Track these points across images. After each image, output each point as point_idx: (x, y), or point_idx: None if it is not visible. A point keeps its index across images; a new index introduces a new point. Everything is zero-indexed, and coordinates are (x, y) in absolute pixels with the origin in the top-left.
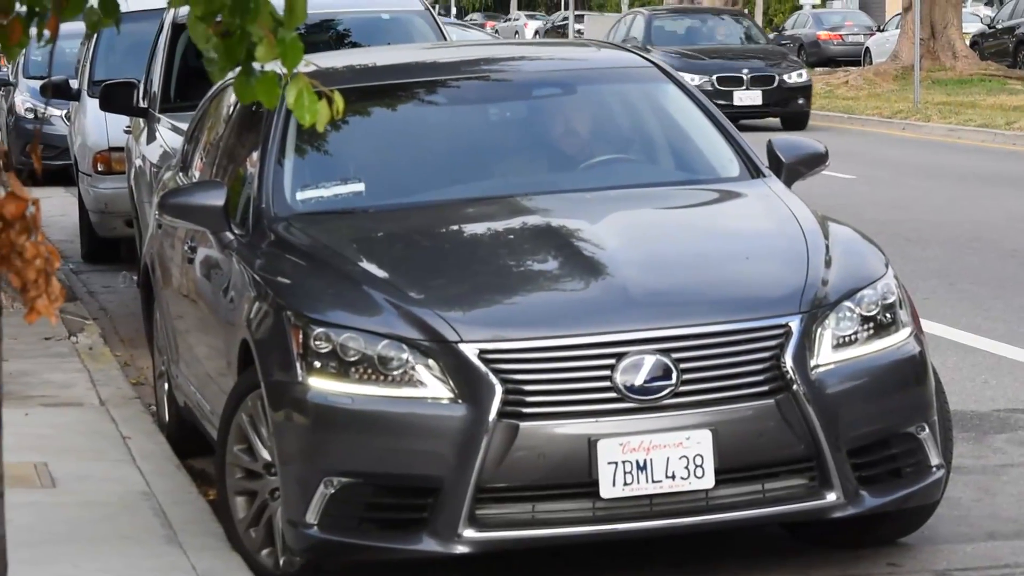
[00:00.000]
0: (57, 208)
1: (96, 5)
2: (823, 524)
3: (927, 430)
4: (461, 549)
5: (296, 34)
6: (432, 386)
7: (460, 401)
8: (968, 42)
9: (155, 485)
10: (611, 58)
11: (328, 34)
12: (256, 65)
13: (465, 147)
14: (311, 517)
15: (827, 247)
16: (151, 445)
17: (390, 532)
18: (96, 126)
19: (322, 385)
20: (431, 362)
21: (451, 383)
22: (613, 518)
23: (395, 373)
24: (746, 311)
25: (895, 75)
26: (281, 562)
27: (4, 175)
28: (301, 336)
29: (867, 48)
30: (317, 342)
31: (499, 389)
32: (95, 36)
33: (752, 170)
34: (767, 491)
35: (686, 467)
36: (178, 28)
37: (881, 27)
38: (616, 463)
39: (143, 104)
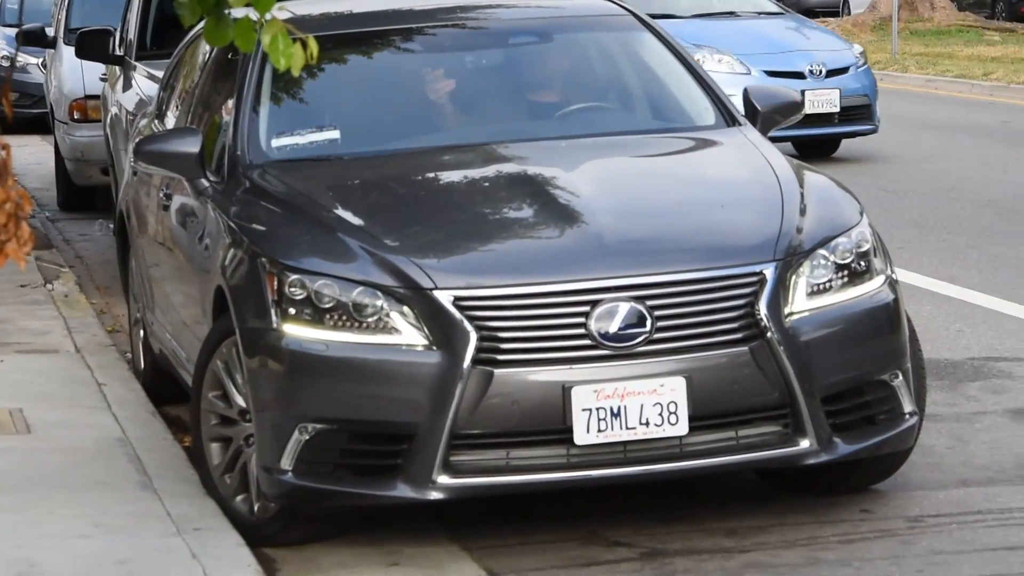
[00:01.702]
0: (33, 156)
1: None
2: (796, 471)
3: (900, 377)
4: (435, 495)
5: None
6: (407, 333)
7: (435, 348)
8: None
9: (130, 432)
10: (587, 6)
11: None
12: (234, 11)
13: (437, 95)
14: (286, 463)
15: (802, 195)
16: (126, 392)
17: (365, 478)
18: (72, 74)
19: (297, 332)
20: (406, 309)
21: (425, 330)
22: (587, 464)
23: (370, 320)
24: (720, 259)
25: (873, 26)
26: (256, 508)
27: None
28: (276, 283)
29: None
30: (292, 289)
31: (473, 336)
32: None
33: (728, 118)
34: (741, 438)
35: (660, 414)
36: None
37: None
38: (590, 410)
39: (119, 52)
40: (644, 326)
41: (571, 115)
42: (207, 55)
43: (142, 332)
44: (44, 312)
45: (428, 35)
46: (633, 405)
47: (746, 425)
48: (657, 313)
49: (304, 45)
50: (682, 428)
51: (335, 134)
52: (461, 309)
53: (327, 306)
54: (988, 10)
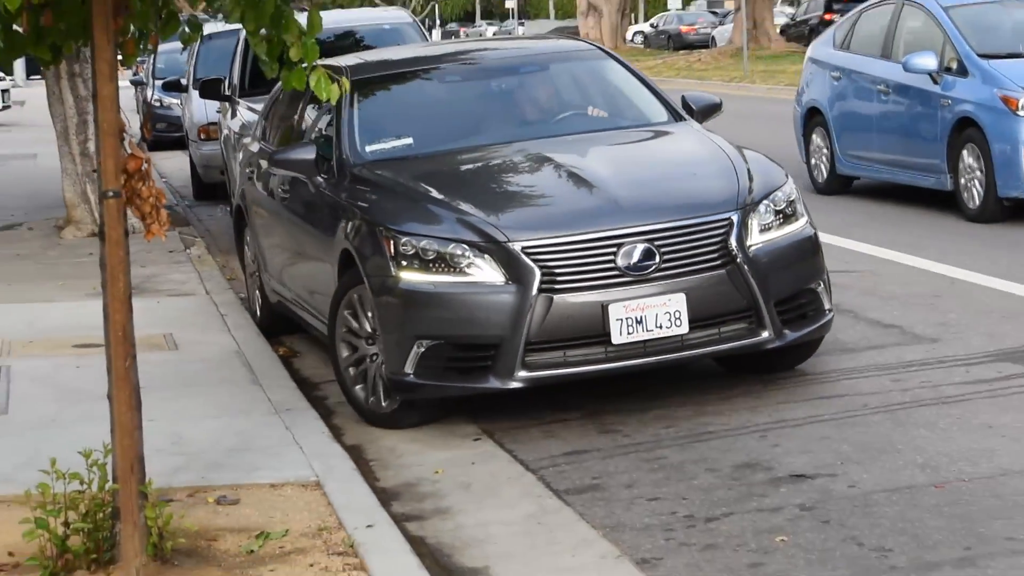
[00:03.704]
0: (176, 164)
1: (187, 28)
2: (753, 356)
3: (822, 286)
4: (515, 385)
5: (314, 41)
6: (489, 273)
7: (510, 282)
8: (778, 30)
9: (243, 346)
10: (570, 44)
11: (349, 39)
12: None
13: (475, 109)
14: (408, 368)
15: (747, 165)
16: (240, 320)
17: (464, 375)
18: (199, 108)
19: (409, 276)
20: (486, 256)
21: (502, 271)
22: (619, 357)
23: (462, 265)
24: (703, 210)
25: (731, 54)
26: (370, 400)
27: (129, 143)
28: (392, 244)
29: (713, 36)
30: (404, 247)
31: (538, 273)
32: (196, 47)
33: (675, 116)
34: (722, 333)
35: (669, 320)
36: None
37: (721, 22)
38: (621, 319)
39: (228, 92)
40: (654, 259)
41: (567, 119)
42: (305, 96)
43: (258, 285)
44: (184, 268)
45: (463, 69)
46: (650, 315)
47: (725, 324)
48: (662, 250)
49: (339, 83)
50: (684, 328)
51: (409, 140)
52: (527, 254)
53: (430, 258)
54: (806, 40)
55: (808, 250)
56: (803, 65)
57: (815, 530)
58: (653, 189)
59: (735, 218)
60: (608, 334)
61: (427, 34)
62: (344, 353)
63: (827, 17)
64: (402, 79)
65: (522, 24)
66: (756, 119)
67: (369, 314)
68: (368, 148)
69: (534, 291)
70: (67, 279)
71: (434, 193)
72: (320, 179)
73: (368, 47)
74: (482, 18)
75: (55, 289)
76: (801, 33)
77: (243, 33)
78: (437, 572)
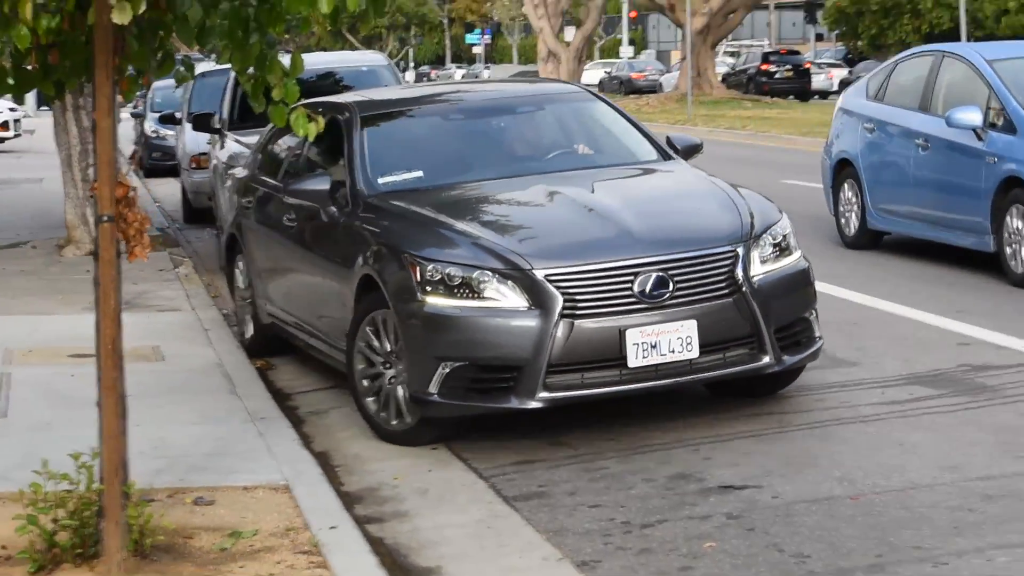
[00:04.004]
0: (169, 190)
1: (181, 67)
2: (741, 380)
3: (814, 315)
4: (536, 405)
5: (295, 82)
6: (512, 299)
7: (533, 308)
8: (720, 79)
9: (224, 359)
10: (561, 87)
11: (329, 79)
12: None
13: (479, 145)
14: (433, 388)
15: (745, 201)
16: (222, 334)
17: (486, 395)
18: (192, 140)
19: (435, 301)
20: (509, 283)
21: (525, 296)
22: (634, 380)
23: (486, 292)
24: (712, 243)
25: (676, 99)
26: (380, 415)
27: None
28: (418, 270)
29: (660, 83)
30: (430, 273)
31: (560, 299)
32: (191, 84)
33: (664, 155)
34: (727, 358)
35: (681, 345)
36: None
37: (668, 70)
38: (638, 343)
39: (218, 126)
40: (668, 288)
41: (565, 156)
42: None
43: (251, 311)
44: (173, 286)
45: (465, 109)
46: (664, 339)
47: (729, 350)
48: (676, 279)
49: (316, 122)
50: (695, 353)
51: (420, 173)
52: (550, 281)
53: (455, 284)
54: (744, 88)
55: (803, 281)
56: (833, 116)
57: (740, 537)
58: (664, 222)
59: (740, 250)
60: (625, 357)
61: (401, 76)
62: (360, 366)
63: (763, 67)
64: (408, 116)
65: (487, 68)
66: (702, 159)
67: (391, 336)
68: (381, 180)
69: (556, 316)
70: (66, 293)
71: (455, 223)
72: (333, 209)
73: (347, 87)
74: (452, 62)
75: (55, 303)
76: (740, 81)
77: (233, 72)
78: (395, 571)
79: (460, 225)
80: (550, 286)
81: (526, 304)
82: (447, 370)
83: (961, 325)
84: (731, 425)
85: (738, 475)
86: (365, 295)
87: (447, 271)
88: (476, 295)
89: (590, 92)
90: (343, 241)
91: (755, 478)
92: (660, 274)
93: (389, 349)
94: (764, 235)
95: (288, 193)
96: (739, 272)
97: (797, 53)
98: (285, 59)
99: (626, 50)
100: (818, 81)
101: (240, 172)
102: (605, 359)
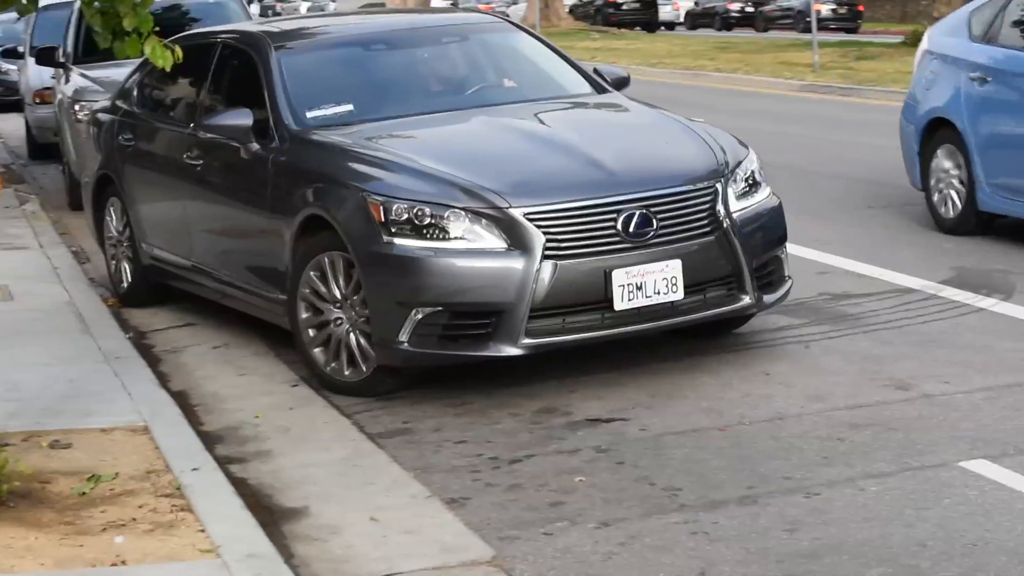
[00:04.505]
0: (13, 126)
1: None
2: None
3: (784, 252)
4: (518, 352)
5: (148, 11)
6: (489, 239)
7: (513, 249)
8: (567, 10)
9: (75, 297)
10: (480, 17)
11: (176, 11)
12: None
13: (407, 77)
14: (403, 337)
15: (712, 136)
16: (73, 272)
17: (462, 343)
18: (35, 74)
19: (404, 243)
20: (484, 222)
21: (503, 237)
22: (617, 324)
23: (460, 232)
24: (692, 179)
25: None
26: (330, 367)
27: None
28: (382, 209)
29: (508, 14)
30: (397, 213)
31: (543, 239)
32: (34, 17)
33: (598, 88)
34: (707, 299)
35: (666, 285)
36: (81, 11)
37: (515, 1)
38: (623, 285)
39: (62, 60)
40: (652, 226)
41: (499, 89)
42: (212, 62)
43: (128, 255)
44: (19, 223)
45: (385, 37)
46: (649, 280)
47: (708, 290)
48: (658, 217)
49: (173, 51)
50: (680, 294)
51: (349, 107)
52: (531, 220)
53: (425, 223)
54: (591, 19)
55: (776, 218)
56: (916, 61)
57: (610, 471)
58: (641, 158)
59: (719, 186)
60: (610, 300)
61: (248, 9)
62: (305, 314)
63: None
64: (327, 48)
65: (334, 0)
66: None
67: (342, 279)
68: (310, 114)
69: (539, 257)
70: None
71: (415, 158)
72: (255, 146)
73: (194, 19)
74: None
75: None
76: (587, 12)
77: (77, 3)
78: (259, 512)
79: (421, 161)
80: (531, 225)
81: (504, 244)
82: (419, 316)
83: (818, 254)
84: (594, 358)
85: (604, 408)
86: (307, 236)
87: (416, 210)
88: (447, 235)
89: (512, 23)
90: (274, 180)
91: (622, 411)
92: (644, 212)
93: (339, 295)
94: (736, 170)
95: (200, 129)
96: (720, 209)
97: None
98: None
99: None
100: (665, 12)
101: (106, 107)
102: (590, 302)
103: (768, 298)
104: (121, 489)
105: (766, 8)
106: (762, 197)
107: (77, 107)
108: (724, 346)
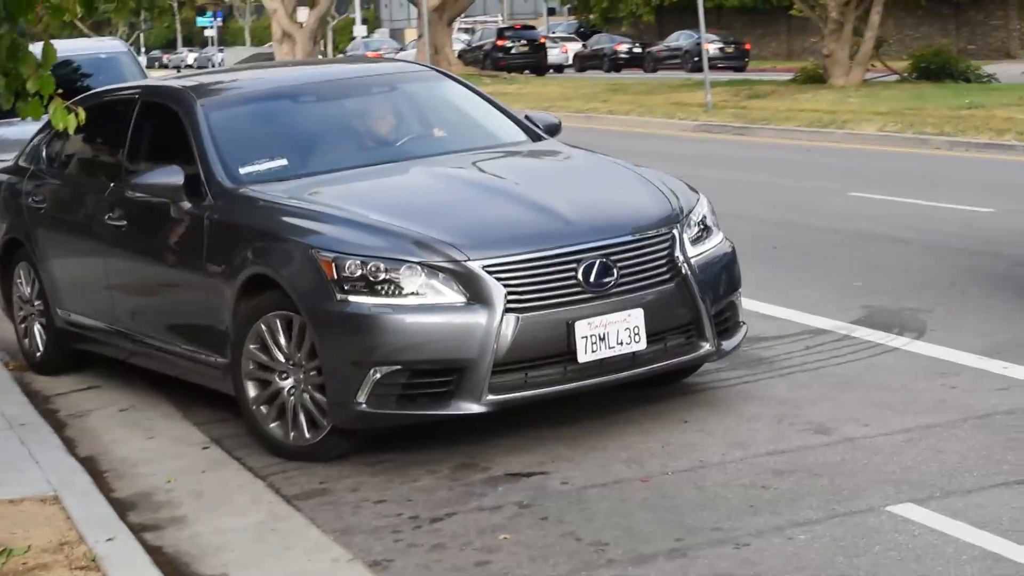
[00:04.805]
0: None
1: None
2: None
3: (739, 297)
4: (481, 410)
5: (49, 72)
6: (447, 294)
7: (472, 303)
8: (456, 55)
9: None
10: (407, 66)
11: (67, 68)
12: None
13: (337, 130)
14: (360, 397)
15: (662, 181)
16: None
17: (423, 402)
18: None
19: (359, 300)
20: (440, 276)
21: (463, 291)
22: (579, 377)
23: (416, 287)
24: (648, 226)
25: None
26: (292, 436)
27: None
28: (334, 266)
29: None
30: (348, 269)
31: (503, 292)
32: None
33: (532, 136)
34: (668, 347)
35: (629, 336)
36: None
37: (404, 48)
38: (586, 336)
39: None
40: (612, 275)
41: (433, 139)
42: (129, 120)
43: (41, 323)
44: None
45: (312, 89)
46: (612, 331)
47: (668, 339)
48: (618, 265)
49: (76, 114)
50: (643, 344)
51: (284, 161)
52: (490, 273)
53: (380, 279)
54: (481, 64)
55: (730, 263)
56: None
57: (534, 527)
58: (596, 206)
59: (676, 232)
60: (574, 352)
61: (139, 63)
62: (253, 392)
63: (499, 43)
64: (254, 101)
65: (221, 51)
66: None
67: (290, 341)
68: (243, 170)
69: (501, 311)
70: None
71: (361, 212)
72: (187, 204)
73: (86, 75)
74: (183, 45)
75: None
76: (477, 57)
77: None
78: None
79: (369, 214)
80: (490, 278)
81: (463, 299)
82: (377, 376)
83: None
84: (510, 410)
85: (523, 462)
86: (249, 297)
87: (369, 267)
88: (404, 291)
89: (439, 71)
90: (210, 239)
91: (541, 464)
92: (604, 260)
93: (285, 358)
94: (690, 215)
95: (128, 188)
96: (679, 255)
97: (532, 28)
98: (35, 49)
99: (360, 29)
100: (553, 55)
101: (8, 168)
102: (552, 355)
103: (727, 344)
104: (34, 563)
105: (654, 49)
106: (716, 242)
107: None
108: (640, 394)
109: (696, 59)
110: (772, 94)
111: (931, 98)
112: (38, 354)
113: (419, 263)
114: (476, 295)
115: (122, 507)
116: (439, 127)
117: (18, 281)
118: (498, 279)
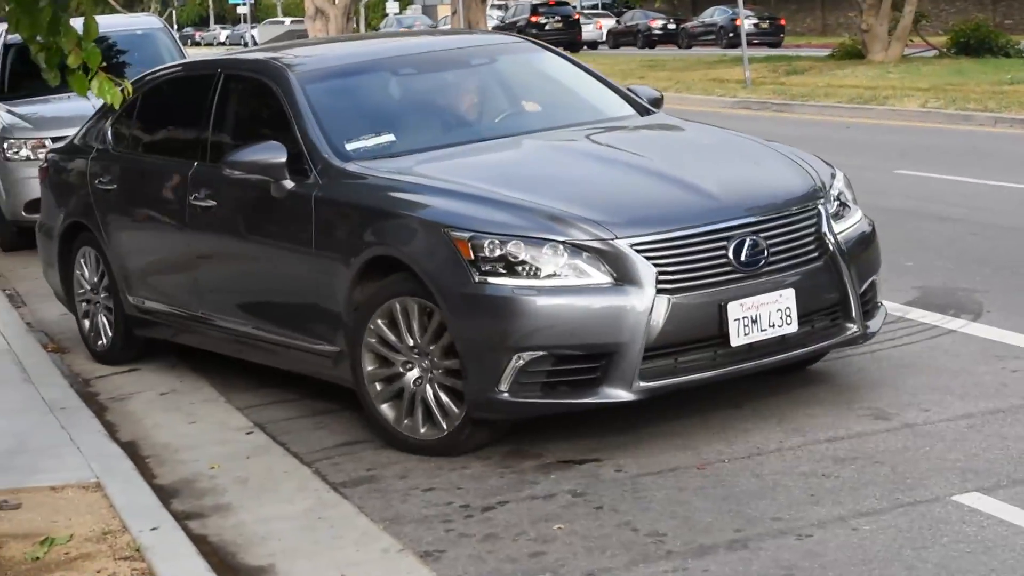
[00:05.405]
0: None
1: None
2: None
3: (878, 277)
4: (631, 398)
5: (94, 45)
6: (594, 275)
7: (620, 283)
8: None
9: (13, 344)
10: (503, 37)
11: (103, 45)
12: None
13: (443, 103)
14: (503, 386)
15: (799, 156)
16: (8, 317)
17: (568, 390)
18: None
19: (499, 282)
20: (585, 255)
21: (610, 271)
22: (729, 363)
23: (557, 268)
24: (796, 201)
25: None
26: (404, 423)
27: None
28: (471, 247)
29: None
30: (489, 249)
31: (654, 272)
32: None
33: (640, 109)
34: (816, 329)
35: (780, 317)
36: (7, 47)
37: (436, 25)
38: (739, 319)
39: None
40: (763, 253)
41: (554, 112)
42: (214, 94)
43: (110, 308)
44: None
45: (412, 60)
46: (764, 312)
47: (815, 320)
48: (769, 243)
49: (122, 88)
50: (793, 326)
51: (391, 137)
52: (639, 252)
53: (520, 259)
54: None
55: (871, 239)
56: None
57: (589, 516)
58: (738, 182)
59: (821, 208)
60: (726, 335)
61: (177, 39)
62: (370, 366)
63: (533, 19)
64: (352, 74)
65: (254, 28)
66: None
67: (417, 327)
68: (350, 146)
69: (652, 292)
70: None
71: (494, 189)
72: (288, 183)
73: (122, 51)
74: (216, 23)
75: None
76: (511, 32)
77: (1, 39)
78: (225, 573)
79: (500, 190)
80: (640, 257)
81: (611, 279)
82: (520, 363)
83: None
84: None
85: (575, 448)
86: (369, 280)
87: (508, 247)
88: (547, 272)
89: (534, 42)
90: (319, 219)
91: (594, 450)
92: (755, 239)
93: (413, 344)
94: (830, 190)
95: (225, 166)
96: (826, 231)
97: (566, 4)
98: (77, 24)
99: (392, 5)
100: (587, 31)
101: (66, 148)
102: (704, 338)
103: (872, 327)
104: (77, 552)
105: (689, 25)
106: (856, 219)
107: (6, 145)
108: None
109: (731, 35)
110: (810, 70)
111: (972, 73)
112: (100, 343)
113: (562, 242)
114: (624, 275)
115: (165, 494)
116: (544, 101)
117: (81, 268)
118: (648, 258)
